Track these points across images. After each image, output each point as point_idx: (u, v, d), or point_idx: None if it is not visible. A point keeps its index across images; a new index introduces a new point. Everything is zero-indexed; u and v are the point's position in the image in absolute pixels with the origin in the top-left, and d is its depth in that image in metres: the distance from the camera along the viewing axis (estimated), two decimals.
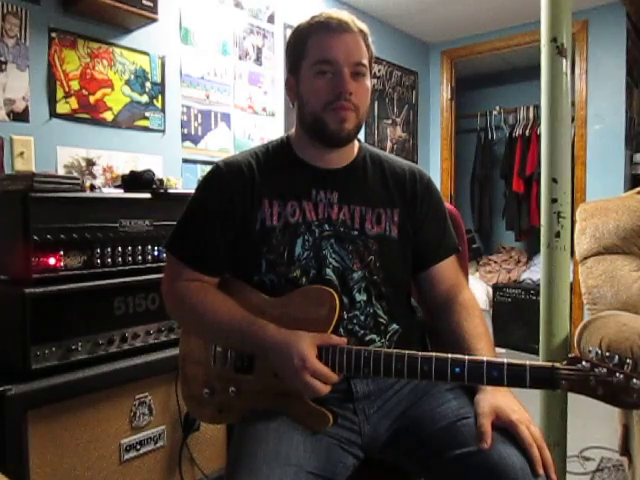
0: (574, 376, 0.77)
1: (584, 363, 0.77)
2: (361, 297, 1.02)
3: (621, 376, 0.74)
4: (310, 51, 0.99)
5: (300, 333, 0.91)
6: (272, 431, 0.91)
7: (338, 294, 0.95)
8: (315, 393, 0.88)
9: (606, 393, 0.75)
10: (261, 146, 1.11)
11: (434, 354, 0.86)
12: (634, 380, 0.74)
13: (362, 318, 1.02)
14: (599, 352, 0.77)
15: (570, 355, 0.80)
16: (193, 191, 1.09)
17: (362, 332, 1.01)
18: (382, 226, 1.04)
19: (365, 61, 1.00)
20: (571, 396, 1.49)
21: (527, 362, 0.80)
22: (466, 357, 0.84)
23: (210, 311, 0.99)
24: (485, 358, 0.84)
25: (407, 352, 0.87)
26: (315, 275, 1.00)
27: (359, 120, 1.02)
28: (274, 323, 0.94)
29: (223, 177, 1.04)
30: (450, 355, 0.85)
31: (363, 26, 1.02)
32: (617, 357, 0.76)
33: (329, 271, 1.01)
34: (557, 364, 0.80)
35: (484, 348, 0.95)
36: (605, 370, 0.76)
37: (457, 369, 0.84)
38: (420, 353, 0.87)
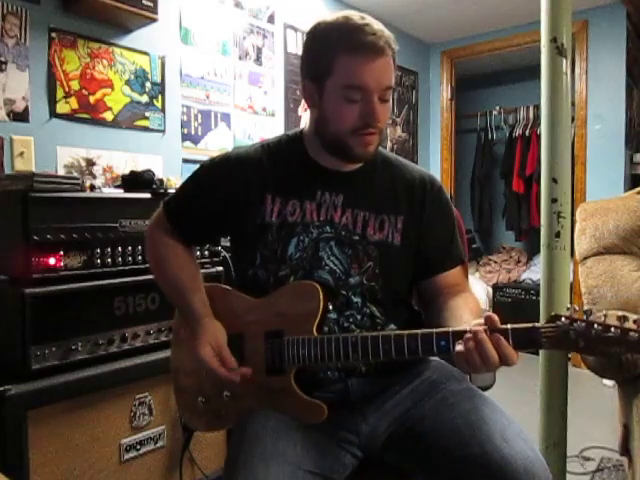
0: (555, 333, 0.78)
1: (563, 319, 0.79)
2: (357, 299, 1.02)
3: (599, 327, 0.76)
4: (338, 72, 0.92)
5: (212, 327, 0.98)
6: (270, 430, 0.92)
7: (322, 288, 0.95)
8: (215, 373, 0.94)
9: (587, 345, 0.77)
10: (276, 138, 1.11)
11: (420, 331, 0.86)
12: (612, 329, 0.75)
13: (358, 317, 1.02)
14: (577, 308, 0.79)
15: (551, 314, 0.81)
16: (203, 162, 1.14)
17: (358, 331, 1.01)
18: (384, 233, 1.03)
19: (393, 83, 0.97)
20: (571, 396, 1.49)
21: (509, 325, 0.80)
22: (450, 329, 0.84)
23: (172, 269, 1.07)
24: (468, 327, 0.82)
25: (393, 333, 0.88)
26: (303, 276, 1.01)
27: (381, 140, 1.01)
28: (261, 324, 0.97)
29: (231, 169, 1.06)
30: (435, 330, 0.85)
31: (394, 44, 0.95)
32: (594, 310, 0.78)
33: (323, 273, 1.01)
34: (537, 324, 0.80)
35: (470, 319, 0.91)
36: (584, 324, 0.77)
37: (442, 342, 0.83)
38: (406, 332, 0.87)
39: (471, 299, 1.03)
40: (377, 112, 0.94)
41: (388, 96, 0.97)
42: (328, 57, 0.93)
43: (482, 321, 0.82)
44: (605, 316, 0.77)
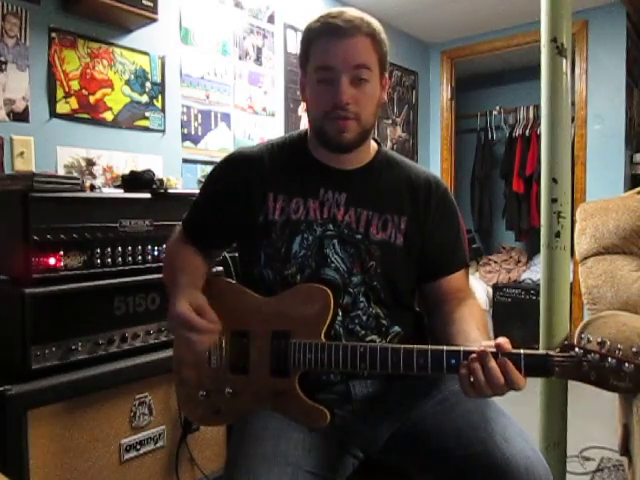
0: (567, 362, 0.78)
1: (577, 350, 0.78)
2: (362, 299, 1.02)
3: (613, 361, 0.76)
4: (313, 55, 0.98)
5: (193, 291, 0.95)
6: (270, 430, 0.92)
7: (333, 292, 0.95)
8: (189, 345, 0.91)
9: (599, 378, 0.77)
10: (280, 138, 1.13)
11: (430, 347, 0.85)
12: (626, 364, 0.75)
13: (364, 318, 1.01)
14: (591, 339, 0.78)
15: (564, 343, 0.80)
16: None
17: (363, 332, 1.01)
18: (387, 232, 1.03)
19: (370, 64, 0.96)
20: (571, 396, 1.49)
21: (521, 350, 0.80)
22: (461, 348, 0.84)
23: (176, 262, 1.08)
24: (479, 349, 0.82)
25: (403, 346, 0.87)
26: (310, 274, 1.00)
27: (362, 127, 0.98)
28: (268, 323, 0.96)
29: (233, 166, 1.08)
30: (445, 347, 0.84)
31: (373, 26, 0.97)
32: (609, 343, 0.77)
33: (329, 270, 1.01)
34: (551, 352, 0.80)
35: (477, 336, 0.91)
36: (597, 356, 0.77)
37: (453, 360, 0.83)
38: (416, 346, 0.86)
39: (476, 309, 1.02)
40: (342, 92, 0.94)
41: (364, 75, 0.96)
42: (307, 44, 1.00)
43: (492, 343, 0.81)
44: (619, 350, 0.76)
